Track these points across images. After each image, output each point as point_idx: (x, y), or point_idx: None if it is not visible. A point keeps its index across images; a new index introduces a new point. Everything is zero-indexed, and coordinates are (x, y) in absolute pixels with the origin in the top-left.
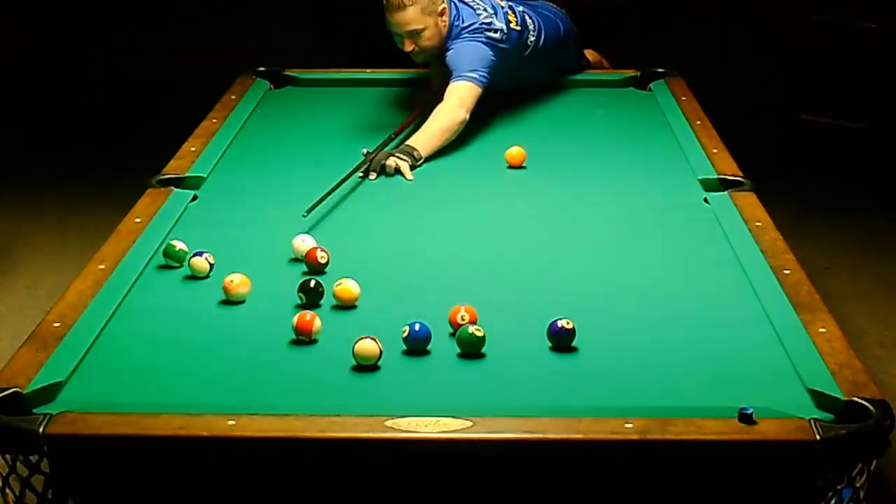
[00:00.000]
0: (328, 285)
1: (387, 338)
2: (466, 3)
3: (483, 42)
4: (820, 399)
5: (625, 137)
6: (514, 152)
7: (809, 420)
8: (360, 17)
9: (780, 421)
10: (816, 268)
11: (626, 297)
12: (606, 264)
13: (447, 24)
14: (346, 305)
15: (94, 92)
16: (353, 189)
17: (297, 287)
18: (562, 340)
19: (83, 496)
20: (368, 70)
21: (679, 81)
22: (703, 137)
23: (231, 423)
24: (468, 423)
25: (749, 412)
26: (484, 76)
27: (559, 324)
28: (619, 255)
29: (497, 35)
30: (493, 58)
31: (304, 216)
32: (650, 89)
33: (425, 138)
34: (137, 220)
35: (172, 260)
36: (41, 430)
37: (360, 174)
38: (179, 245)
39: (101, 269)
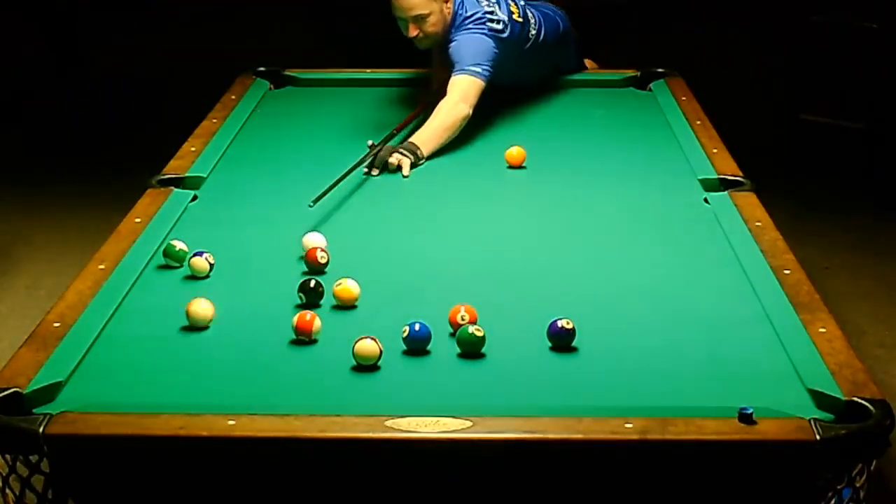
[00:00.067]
0: (328, 285)
1: (387, 338)
2: None
3: (486, 34)
4: (820, 399)
5: (625, 137)
6: (514, 152)
7: (809, 420)
8: (360, 17)
9: (780, 421)
10: (816, 268)
11: (626, 297)
12: (606, 264)
13: (451, 11)
14: (346, 305)
15: (94, 92)
16: (353, 190)
17: (297, 287)
18: (562, 340)
19: (83, 496)
20: (368, 70)
21: (679, 81)
22: (703, 137)
23: (231, 423)
24: (468, 423)
25: (749, 412)
26: (487, 69)
27: (559, 324)
28: (619, 255)
29: (499, 26)
30: (495, 50)
31: (310, 206)
32: (650, 89)
33: (428, 136)
34: (137, 220)
35: (172, 260)
36: (41, 430)
37: (365, 169)
38: (179, 245)
39: (101, 269)
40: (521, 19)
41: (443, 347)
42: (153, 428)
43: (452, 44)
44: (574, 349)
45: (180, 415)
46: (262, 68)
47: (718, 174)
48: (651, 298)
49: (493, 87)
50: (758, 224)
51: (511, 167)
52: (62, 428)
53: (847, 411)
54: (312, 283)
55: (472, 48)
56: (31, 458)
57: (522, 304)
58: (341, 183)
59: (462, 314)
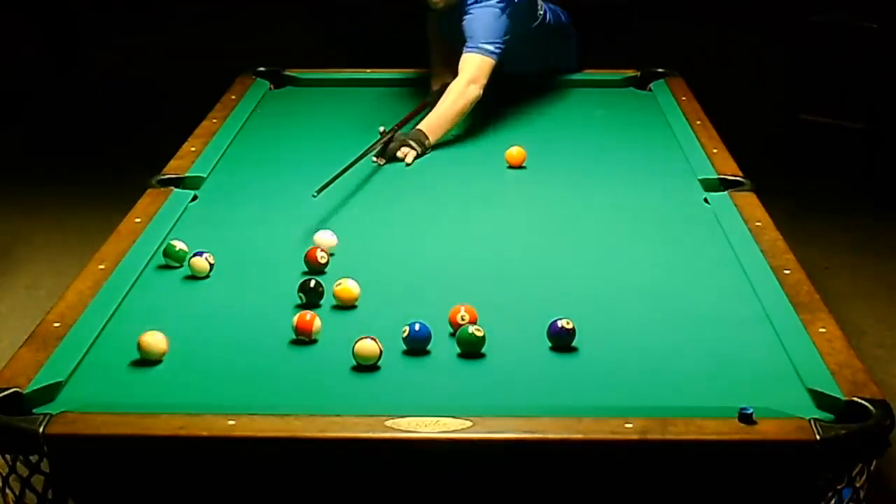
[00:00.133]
0: (328, 285)
1: (387, 338)
2: None
3: (501, 8)
4: (820, 399)
5: (625, 137)
6: (514, 152)
7: (809, 420)
8: (360, 17)
9: (780, 421)
10: (816, 268)
11: (627, 297)
12: (606, 264)
13: None
14: (346, 305)
15: (94, 92)
16: (353, 190)
17: (297, 287)
18: (562, 340)
19: (83, 496)
20: (368, 70)
21: (679, 81)
22: (703, 137)
23: (231, 423)
24: (468, 423)
25: (749, 412)
26: (499, 47)
27: (559, 324)
28: (619, 255)
29: None
30: (508, 25)
31: (314, 196)
32: (650, 89)
33: (438, 122)
34: (137, 220)
35: (172, 260)
36: (41, 430)
37: (374, 157)
38: (179, 245)
39: (101, 269)
40: None
41: (443, 347)
42: (153, 428)
43: (467, 17)
44: (574, 349)
45: (180, 415)
46: (262, 68)
47: (718, 174)
48: (651, 298)
49: (494, 77)
50: (758, 224)
51: (511, 167)
52: (62, 428)
53: (847, 411)
54: (312, 283)
55: (485, 24)
56: (31, 458)
57: (522, 304)
58: (342, 182)
59: (462, 314)
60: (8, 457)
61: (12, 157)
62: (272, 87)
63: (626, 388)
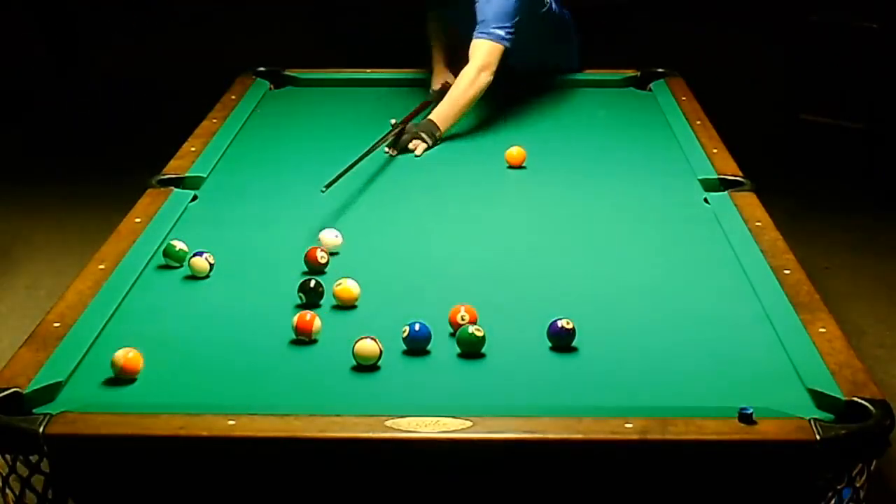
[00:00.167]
0: (328, 285)
1: (387, 338)
2: None
3: None
4: (820, 399)
5: (625, 137)
6: (514, 152)
7: (809, 420)
8: (360, 17)
9: (780, 421)
10: (816, 268)
11: (626, 297)
12: (606, 264)
13: None
14: (346, 305)
15: (94, 92)
16: (352, 190)
17: (297, 287)
18: (562, 340)
19: (83, 496)
20: (368, 70)
21: (679, 81)
22: (703, 137)
23: (231, 423)
24: (468, 423)
25: (749, 412)
26: (510, 33)
27: (559, 324)
28: (619, 255)
29: None
30: (519, 8)
31: (322, 191)
32: (650, 89)
33: (449, 112)
34: (137, 220)
35: (172, 260)
36: (41, 430)
37: (386, 148)
38: (179, 245)
39: (101, 269)
40: None
41: (443, 347)
42: (153, 428)
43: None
44: (574, 349)
45: (180, 415)
46: (262, 68)
47: (718, 174)
48: (651, 298)
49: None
50: (758, 224)
51: (511, 167)
52: (62, 428)
53: (847, 411)
54: (312, 283)
55: (497, 8)
56: (31, 458)
57: (522, 304)
58: (342, 182)
59: (462, 314)
60: (8, 457)
61: (12, 157)
62: (272, 87)
63: (626, 388)
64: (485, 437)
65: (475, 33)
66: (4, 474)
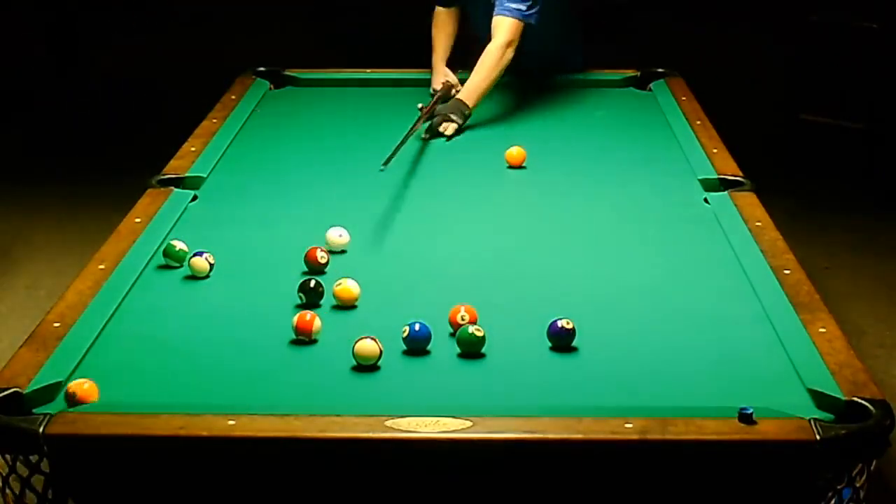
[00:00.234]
0: (328, 285)
1: (387, 338)
2: None
3: None
4: (820, 399)
5: (625, 137)
6: (514, 152)
7: (809, 420)
8: (360, 17)
9: (780, 421)
10: (816, 268)
11: (627, 297)
12: (606, 264)
13: None
14: (346, 305)
15: (94, 92)
16: (352, 190)
17: (297, 287)
18: (562, 340)
19: (83, 496)
20: (368, 70)
21: (679, 81)
22: (703, 137)
23: (231, 423)
24: (468, 423)
25: (749, 412)
26: (533, 12)
27: (559, 324)
28: (619, 255)
29: None
30: None
31: (381, 170)
32: (650, 89)
33: (478, 90)
34: (137, 220)
35: (172, 260)
36: (41, 430)
37: (424, 135)
38: (179, 245)
39: (101, 269)
40: None
41: (443, 347)
42: (153, 428)
43: None
44: (574, 349)
45: (180, 415)
46: (262, 68)
47: (718, 174)
48: (651, 298)
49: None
50: (758, 224)
51: (511, 167)
52: (62, 428)
53: (847, 411)
54: (312, 283)
55: None
56: (31, 458)
57: (522, 304)
58: (342, 182)
59: (462, 314)
60: (8, 457)
61: (12, 157)
62: (272, 87)
63: (626, 388)
64: (485, 437)
65: (497, 10)
66: (4, 474)
